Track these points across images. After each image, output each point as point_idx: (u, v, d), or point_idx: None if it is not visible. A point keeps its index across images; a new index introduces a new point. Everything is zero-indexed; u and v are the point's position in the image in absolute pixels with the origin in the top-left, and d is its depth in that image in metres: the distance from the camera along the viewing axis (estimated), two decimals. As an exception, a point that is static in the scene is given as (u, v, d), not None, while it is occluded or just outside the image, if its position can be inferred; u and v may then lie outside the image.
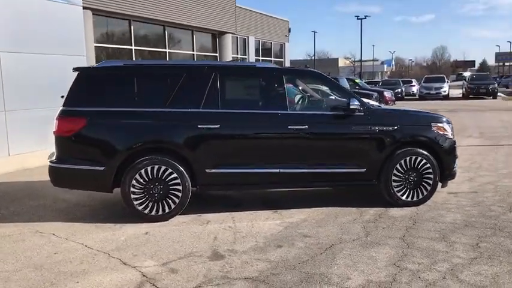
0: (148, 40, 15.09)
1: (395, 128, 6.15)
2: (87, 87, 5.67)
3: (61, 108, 5.56)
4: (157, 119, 5.64)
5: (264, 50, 24.19)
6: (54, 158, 5.60)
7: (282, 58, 25.89)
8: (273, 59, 24.78)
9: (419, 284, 3.90)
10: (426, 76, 37.09)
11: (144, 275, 4.15)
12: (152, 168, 5.57)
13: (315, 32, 67.55)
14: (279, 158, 5.91)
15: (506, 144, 11.67)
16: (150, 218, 5.62)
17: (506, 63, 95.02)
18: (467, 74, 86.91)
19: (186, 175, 5.67)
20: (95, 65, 5.93)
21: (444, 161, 6.32)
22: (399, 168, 6.17)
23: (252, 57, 22.36)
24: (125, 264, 4.40)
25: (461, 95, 34.22)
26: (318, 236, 5.13)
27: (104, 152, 5.57)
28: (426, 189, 6.27)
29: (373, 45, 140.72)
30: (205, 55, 17.99)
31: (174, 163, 5.62)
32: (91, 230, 5.40)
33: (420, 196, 6.27)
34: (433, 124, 6.36)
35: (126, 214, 5.80)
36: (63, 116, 5.52)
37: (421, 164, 6.20)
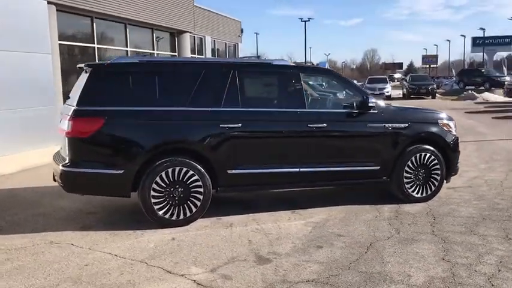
0: (110, 38, 14.41)
1: (407, 125, 6.24)
2: (103, 85, 5.27)
3: (74, 107, 5.12)
4: (178, 119, 5.36)
5: (219, 50, 23.95)
6: (66, 161, 5.15)
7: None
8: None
9: (480, 278, 3.94)
10: (369, 77, 38.36)
11: (198, 283, 3.90)
12: (173, 171, 5.28)
13: (257, 34, 67.73)
14: (298, 157, 5.81)
15: (469, 141, 12.22)
16: (170, 224, 5.32)
17: (432, 65, 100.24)
18: (397, 75, 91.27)
19: (207, 177, 5.43)
20: (109, 61, 5.53)
21: (450, 157, 6.50)
22: (410, 165, 6.27)
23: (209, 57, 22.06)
24: (170, 273, 4.12)
25: (401, 95, 35.68)
26: (351, 235, 5.08)
27: (122, 154, 5.21)
28: (434, 185, 6.42)
29: (310, 48, 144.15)
30: (164, 54, 17.50)
31: (196, 164, 5.36)
32: (110, 238, 5.02)
33: (429, 192, 6.41)
34: (439, 121, 6.53)
35: (139, 220, 5.48)
36: (78, 116, 5.08)
37: (429, 160, 6.33)
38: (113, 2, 13.45)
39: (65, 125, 5.17)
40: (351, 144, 6.10)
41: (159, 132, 5.28)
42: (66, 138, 5.15)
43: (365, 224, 5.46)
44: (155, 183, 5.23)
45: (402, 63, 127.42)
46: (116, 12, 13.59)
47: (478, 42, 62.38)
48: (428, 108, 7.25)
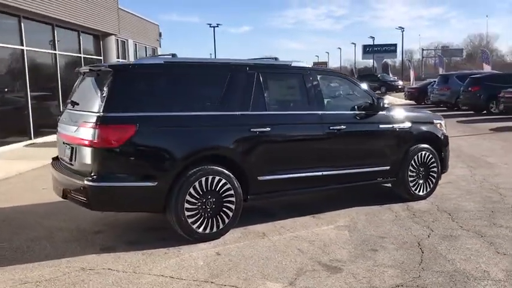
0: (38, 40, 13.06)
1: (410, 125, 6.43)
2: (130, 88, 4.70)
3: (99, 114, 4.50)
4: (210, 124, 4.97)
5: (140, 54, 22.88)
6: (92, 174, 4.51)
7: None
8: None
9: (551, 268, 4.14)
10: None
11: (291, 299, 3.62)
12: (206, 180, 4.87)
13: (160, 33, 65.70)
14: (321, 161, 5.70)
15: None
16: (203, 237, 4.90)
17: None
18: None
19: (239, 185, 5.10)
20: (132, 62, 4.96)
21: (443, 154, 6.82)
22: (413, 163, 6.46)
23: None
24: (250, 291, 3.78)
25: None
26: (391, 236, 5.07)
27: (156, 164, 4.70)
28: (432, 182, 6.68)
29: (210, 54, 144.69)
30: (91, 58, 16.33)
31: (228, 172, 5.01)
32: (148, 258, 4.49)
33: (428, 189, 6.65)
34: (434, 121, 6.82)
35: (162, 236, 5.04)
36: (106, 123, 4.47)
37: (428, 158, 6.58)
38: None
39: (87, 133, 4.53)
40: (366, 146, 6.14)
41: (192, 139, 4.85)
42: (90, 149, 4.52)
43: (393, 224, 5.49)
44: (189, 194, 4.79)
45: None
46: (43, 10, 12.38)
47: (368, 50, 66.85)
48: (421, 109, 7.54)
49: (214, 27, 53.61)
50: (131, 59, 20.90)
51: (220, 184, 4.95)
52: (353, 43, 75.61)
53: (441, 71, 37.93)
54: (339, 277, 4.02)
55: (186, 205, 4.78)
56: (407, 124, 6.41)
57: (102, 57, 16.95)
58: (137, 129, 4.54)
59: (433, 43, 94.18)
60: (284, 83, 5.65)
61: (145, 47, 23.82)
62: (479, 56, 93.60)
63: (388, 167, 6.25)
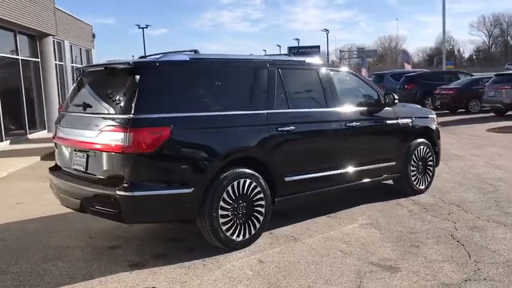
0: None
1: (411, 120, 6.50)
2: (161, 87, 4.26)
3: (130, 116, 4.04)
4: (241, 124, 4.66)
5: (75, 56, 21.51)
6: (124, 184, 4.03)
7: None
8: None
9: None
10: None
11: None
12: (238, 183, 4.57)
13: (94, 34, 62.68)
14: (339, 158, 5.59)
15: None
16: (236, 245, 4.59)
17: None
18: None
19: (267, 187, 4.84)
20: (154, 58, 4.51)
21: (437, 148, 6.97)
22: (414, 158, 6.53)
23: (68, 64, 19.61)
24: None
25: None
26: (421, 230, 5.05)
27: (191, 169, 4.30)
28: (429, 176, 6.80)
29: (133, 56, 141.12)
30: (27, 59, 15.09)
31: (258, 175, 4.73)
32: (189, 272, 4.10)
33: (426, 183, 6.76)
34: (429, 116, 6.95)
35: (189, 247, 4.71)
36: (140, 126, 4.01)
37: (426, 152, 6.69)
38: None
39: (115, 138, 4.05)
40: (376, 142, 6.11)
41: (226, 140, 4.52)
42: (120, 155, 4.05)
43: (413, 219, 5.48)
44: (222, 200, 4.46)
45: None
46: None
47: (293, 52, 68.30)
48: (413, 104, 7.66)
49: (143, 28, 52.00)
50: (68, 62, 19.61)
51: (251, 187, 4.67)
52: (278, 45, 76.98)
53: (364, 72, 39.59)
54: (402, 276, 3.91)
55: (220, 211, 4.45)
56: (409, 119, 6.48)
57: (39, 60, 15.73)
58: (171, 131, 4.14)
59: (346, 45, 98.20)
60: (301, 79, 5.45)
61: (80, 48, 22.47)
62: (389, 56, 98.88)
63: (394, 163, 6.27)
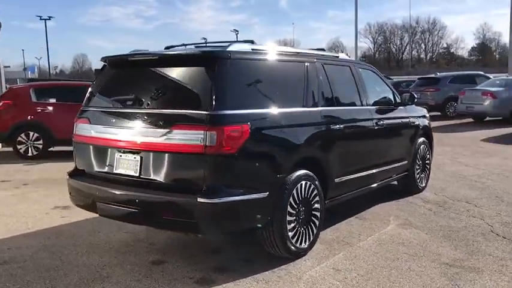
0: None
1: (418, 119, 6.58)
2: (236, 80, 3.75)
3: (210, 112, 3.50)
4: (305, 122, 4.32)
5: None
6: (204, 190, 3.47)
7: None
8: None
9: None
10: None
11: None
12: (300, 186, 4.20)
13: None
14: (374, 157, 5.47)
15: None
16: (300, 252, 4.23)
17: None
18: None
19: (321, 189, 4.54)
20: (223, 48, 3.94)
21: (432, 146, 7.15)
22: (418, 156, 6.62)
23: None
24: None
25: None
26: (459, 228, 5.07)
27: (267, 171, 3.86)
28: (428, 173, 6.95)
29: (23, 50, 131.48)
30: None
31: (315, 176, 4.41)
32: (266, 286, 3.68)
33: (426, 181, 6.90)
34: (426, 114, 7.10)
35: (244, 257, 4.27)
36: (224, 123, 3.49)
37: (425, 151, 6.82)
38: None
39: (191, 137, 3.49)
40: (397, 140, 6.10)
41: (294, 139, 4.13)
42: (199, 157, 3.49)
43: (440, 217, 5.49)
44: (289, 204, 4.08)
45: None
46: None
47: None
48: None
49: (45, 19, 48.06)
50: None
51: (309, 190, 4.33)
52: (184, 44, 74.87)
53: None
54: (491, 277, 3.83)
55: (288, 217, 4.07)
56: (415, 118, 6.55)
57: None
58: (250, 129, 3.68)
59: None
60: (340, 75, 5.18)
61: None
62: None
63: (406, 161, 6.28)
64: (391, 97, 6.09)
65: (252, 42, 4.30)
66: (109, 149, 4.01)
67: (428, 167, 6.92)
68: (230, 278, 3.82)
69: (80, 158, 4.32)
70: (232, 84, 3.73)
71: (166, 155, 3.65)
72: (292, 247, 4.12)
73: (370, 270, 3.99)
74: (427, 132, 6.90)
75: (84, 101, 4.42)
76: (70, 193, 4.35)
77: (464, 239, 4.74)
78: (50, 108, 10.30)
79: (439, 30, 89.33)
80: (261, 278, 3.82)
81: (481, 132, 13.52)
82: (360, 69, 5.60)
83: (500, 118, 15.13)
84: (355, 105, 5.29)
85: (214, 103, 3.54)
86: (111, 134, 3.98)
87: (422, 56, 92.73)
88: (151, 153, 3.73)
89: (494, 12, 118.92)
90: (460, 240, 4.71)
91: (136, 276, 3.89)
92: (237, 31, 58.23)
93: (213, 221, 3.58)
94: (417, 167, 6.56)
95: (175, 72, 3.95)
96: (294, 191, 4.12)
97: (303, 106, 4.41)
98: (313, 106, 4.52)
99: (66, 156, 9.47)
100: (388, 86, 6.22)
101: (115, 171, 3.95)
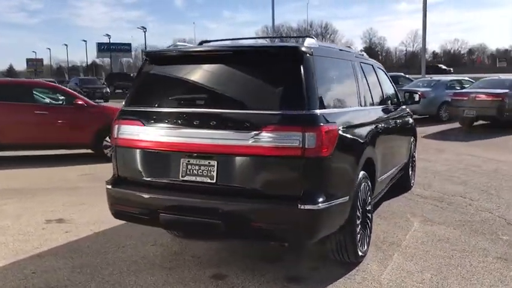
0: None
1: (411, 117, 6.78)
2: (319, 77, 3.47)
3: (305, 112, 3.22)
4: (367, 121, 4.25)
5: None
6: (305, 196, 3.18)
7: None
8: None
9: None
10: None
11: None
12: (363, 188, 4.08)
13: None
14: (396, 156, 5.54)
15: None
16: (361, 257, 4.11)
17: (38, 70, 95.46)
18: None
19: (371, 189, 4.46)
20: (304, 43, 3.60)
21: (416, 145, 7.41)
22: (411, 154, 6.81)
23: None
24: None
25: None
26: (479, 221, 5.27)
27: (349, 173, 3.67)
28: (415, 172, 7.19)
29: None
30: None
31: (368, 176, 4.30)
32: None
33: (414, 178, 7.14)
34: (411, 113, 7.32)
35: (309, 267, 4.07)
36: (321, 124, 3.23)
37: (414, 149, 7.06)
38: None
39: (285, 139, 3.20)
40: (404, 139, 6.18)
41: (364, 140, 4.01)
42: (297, 160, 3.21)
43: (451, 212, 5.67)
44: (357, 207, 3.94)
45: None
46: None
47: (103, 48, 64.58)
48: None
49: None
50: None
51: (367, 191, 4.23)
52: (84, 40, 71.34)
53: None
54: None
55: (357, 221, 3.92)
56: (410, 117, 6.73)
57: None
58: (338, 129, 3.47)
59: (142, 44, 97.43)
60: (369, 75, 5.11)
61: None
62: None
63: (406, 160, 6.43)
64: (398, 96, 6.18)
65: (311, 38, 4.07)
66: (172, 154, 3.55)
67: (414, 164, 7.15)
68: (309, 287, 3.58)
69: (126, 164, 3.78)
70: (319, 81, 3.49)
71: (252, 159, 3.32)
72: (359, 251, 3.99)
73: (438, 269, 3.99)
74: (415, 130, 7.12)
75: (126, 100, 3.89)
76: (112, 204, 3.79)
77: (493, 232, 4.92)
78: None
79: (331, 34, 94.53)
80: (342, 286, 3.63)
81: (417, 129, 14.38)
82: (378, 68, 5.61)
83: (427, 116, 16.22)
84: (384, 104, 5.29)
85: (308, 102, 3.29)
86: (175, 137, 3.52)
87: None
88: (231, 158, 3.37)
89: (379, 18, 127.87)
90: (490, 234, 4.88)
91: None
92: (145, 28, 56.36)
93: (314, 228, 3.33)
94: (411, 165, 6.74)
95: (253, 68, 3.59)
96: (359, 193, 3.98)
97: (359, 105, 4.29)
98: (365, 105, 4.43)
99: (15, 162, 8.53)
100: (392, 83, 6.31)
101: (182, 178, 3.50)
